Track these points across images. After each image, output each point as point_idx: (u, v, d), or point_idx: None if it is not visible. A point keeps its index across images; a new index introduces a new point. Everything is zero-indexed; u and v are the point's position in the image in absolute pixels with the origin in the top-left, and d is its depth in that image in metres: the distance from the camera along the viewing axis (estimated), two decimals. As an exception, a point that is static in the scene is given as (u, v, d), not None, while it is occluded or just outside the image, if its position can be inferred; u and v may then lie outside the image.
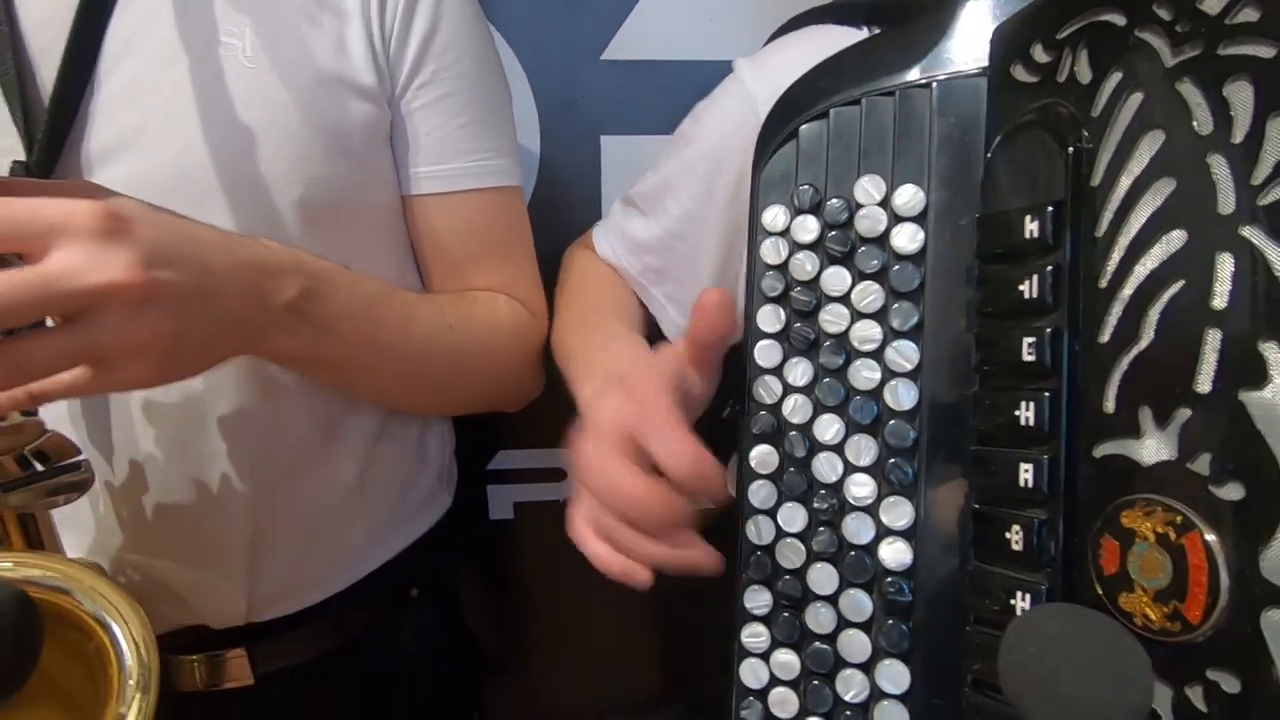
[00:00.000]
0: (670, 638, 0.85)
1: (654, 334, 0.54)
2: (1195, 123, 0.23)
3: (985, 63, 0.33)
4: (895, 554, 0.33)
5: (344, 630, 0.54)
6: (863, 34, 0.46)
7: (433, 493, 0.61)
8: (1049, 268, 0.27)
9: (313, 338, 0.42)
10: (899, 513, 0.33)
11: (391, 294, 0.48)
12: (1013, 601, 0.27)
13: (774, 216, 0.37)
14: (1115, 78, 0.26)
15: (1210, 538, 0.21)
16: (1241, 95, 0.22)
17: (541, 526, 0.79)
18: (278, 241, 0.43)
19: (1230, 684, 0.21)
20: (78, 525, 0.49)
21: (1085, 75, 0.27)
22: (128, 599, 0.40)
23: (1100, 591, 0.25)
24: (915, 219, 0.34)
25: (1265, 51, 0.22)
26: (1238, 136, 0.22)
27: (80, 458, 0.41)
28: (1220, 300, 0.22)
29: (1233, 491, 0.21)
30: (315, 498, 0.51)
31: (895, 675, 0.32)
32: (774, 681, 0.35)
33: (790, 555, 0.35)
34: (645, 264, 0.54)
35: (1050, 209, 0.27)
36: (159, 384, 0.37)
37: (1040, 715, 0.19)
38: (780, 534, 0.36)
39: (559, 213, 0.72)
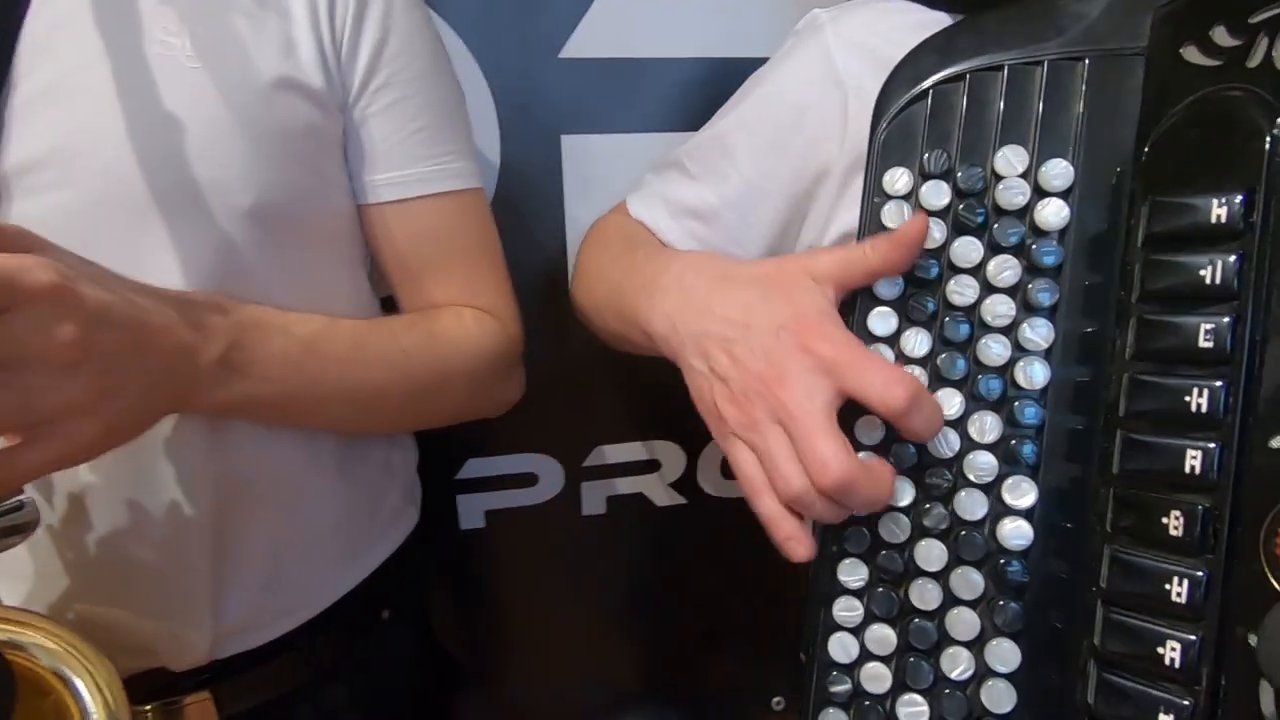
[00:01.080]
0: (647, 638, 0.85)
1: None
2: None
3: (1141, 42, 0.32)
4: (1015, 533, 0.32)
5: (314, 660, 0.52)
6: (942, 18, 0.44)
7: (400, 510, 0.59)
8: (1236, 255, 0.27)
9: (246, 388, 0.41)
10: (1021, 492, 0.32)
11: (334, 328, 0.46)
12: (1168, 587, 0.27)
13: (897, 179, 0.36)
14: (1329, 66, 0.26)
15: None
16: None
17: (514, 534, 0.78)
18: (235, 254, 0.43)
19: None
20: (14, 573, 0.44)
21: (1286, 62, 0.27)
22: (89, 645, 0.36)
23: (1275, 579, 0.25)
24: (1062, 194, 0.33)
25: None
26: None
27: (23, 497, 0.36)
28: None
29: None
30: (278, 524, 0.49)
31: (1005, 654, 0.32)
32: (866, 656, 0.35)
33: (894, 529, 0.34)
34: (688, 229, 0.50)
35: (1241, 195, 0.27)
36: (106, 446, 0.34)
37: None
38: (885, 508, 0.35)
39: (521, 216, 0.70)
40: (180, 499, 0.44)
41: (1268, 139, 0.27)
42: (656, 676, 0.85)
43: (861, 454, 0.34)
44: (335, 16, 0.46)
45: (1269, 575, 0.25)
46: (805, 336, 0.33)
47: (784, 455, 0.33)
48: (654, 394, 0.75)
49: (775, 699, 0.86)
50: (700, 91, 0.68)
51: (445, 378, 0.50)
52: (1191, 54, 0.30)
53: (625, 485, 0.80)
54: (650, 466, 0.80)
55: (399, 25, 0.48)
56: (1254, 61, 0.28)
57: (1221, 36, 0.29)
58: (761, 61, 0.51)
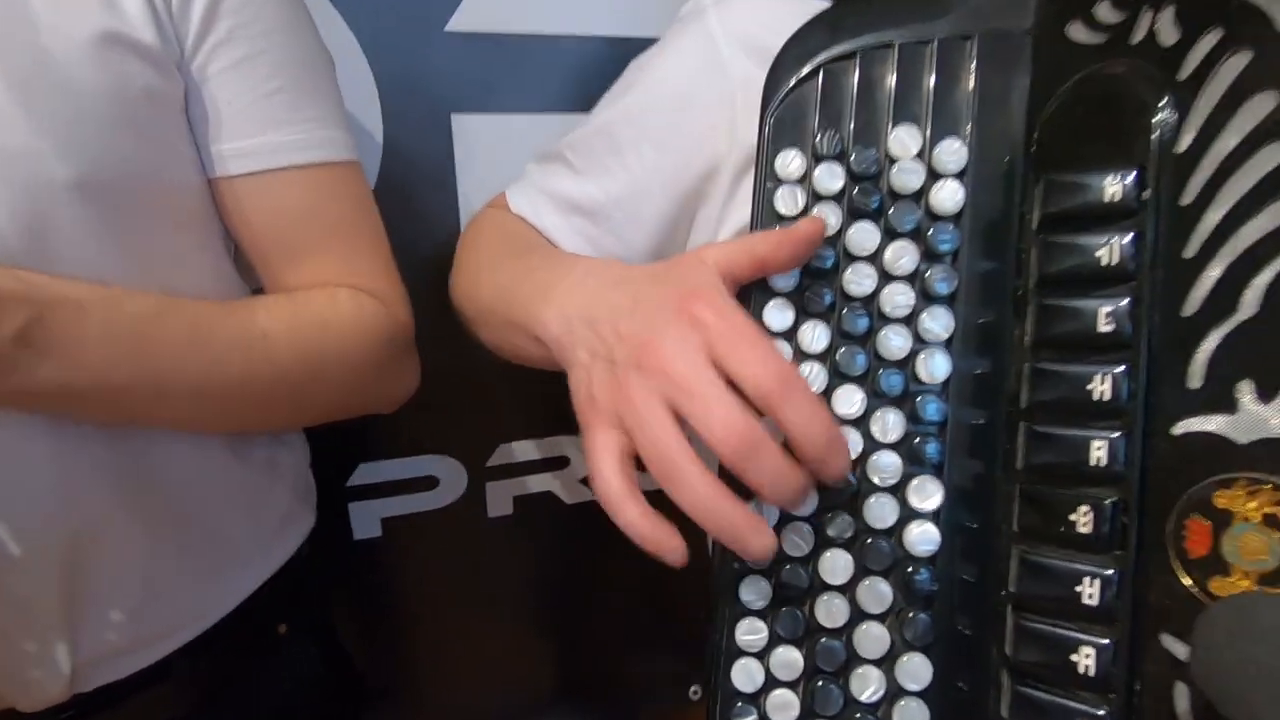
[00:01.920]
0: (561, 640, 0.81)
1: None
2: (1322, 87, 0.22)
3: (1028, 21, 0.31)
4: (923, 538, 0.30)
5: (200, 685, 0.47)
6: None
7: (291, 512, 0.53)
8: (1130, 235, 0.26)
9: (55, 374, 0.35)
10: (926, 493, 0.30)
11: (173, 308, 0.40)
12: (1079, 588, 0.25)
13: (789, 162, 0.33)
14: (1213, 37, 0.25)
15: (1333, 517, 0.21)
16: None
17: (414, 541, 0.72)
18: (52, 232, 0.37)
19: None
20: None
21: (1170, 36, 0.26)
22: None
23: (1184, 576, 0.23)
24: (956, 176, 0.31)
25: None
26: (1376, 103, 0.21)
27: None
28: (1348, 272, 0.21)
29: (1359, 469, 0.21)
30: (143, 537, 0.42)
31: (916, 670, 0.30)
32: (772, 683, 0.32)
33: (797, 541, 0.32)
34: (576, 227, 0.47)
35: (1134, 173, 0.26)
36: None
37: (1259, 711, 0.17)
38: (784, 518, 0.32)
39: (409, 200, 0.64)
40: (22, 520, 0.38)
41: (1155, 116, 0.26)
42: (572, 677, 0.81)
43: None
44: None
45: (1180, 571, 0.23)
46: (688, 302, 0.30)
47: (660, 430, 0.29)
48: (560, 388, 0.72)
49: (692, 688, 0.84)
50: (601, 71, 0.62)
51: (317, 366, 0.44)
52: (1077, 31, 0.29)
53: (533, 484, 0.75)
54: (559, 464, 0.76)
55: None
56: (1137, 37, 0.27)
57: (1105, 13, 0.28)
58: (661, 42, 0.48)
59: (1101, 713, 0.25)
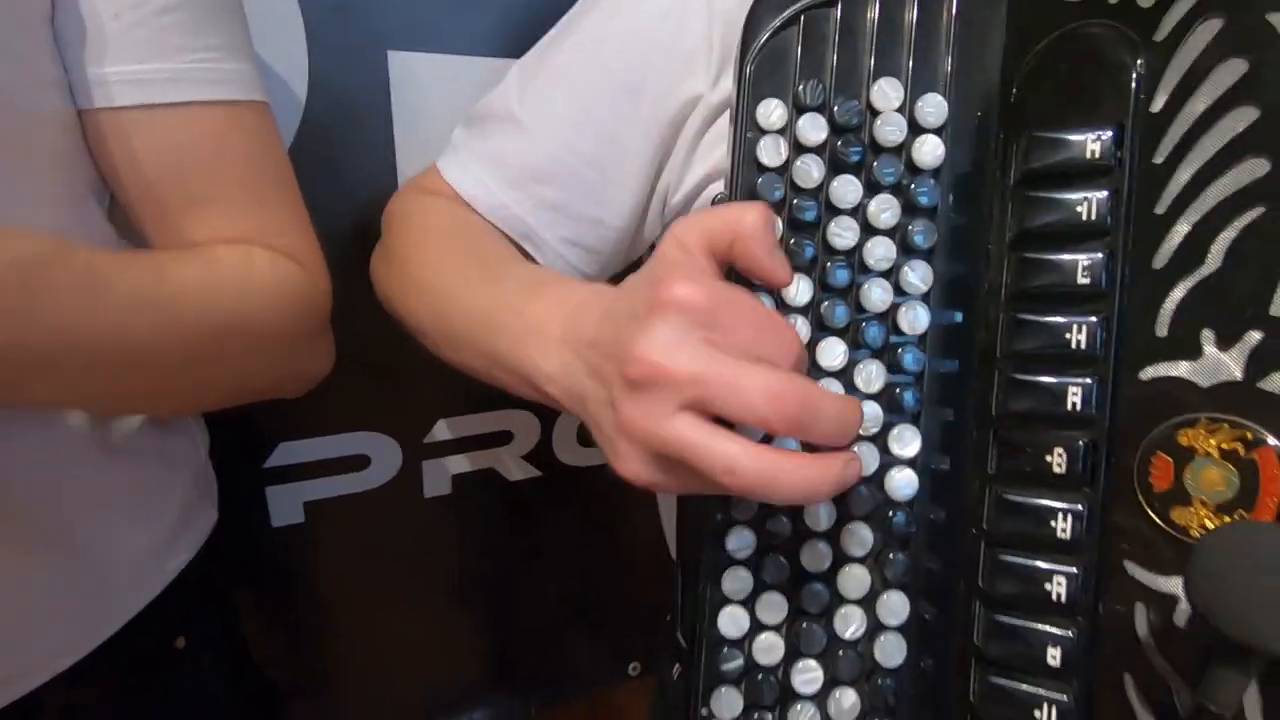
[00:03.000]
0: (498, 623, 0.79)
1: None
2: (1290, 54, 0.24)
3: (1004, -24, 0.31)
4: (904, 483, 0.31)
5: (81, 718, 0.40)
6: None
7: (189, 509, 0.46)
8: (1107, 191, 0.27)
9: None
10: (905, 441, 0.32)
11: (68, 255, 0.33)
12: (1054, 524, 0.27)
13: (771, 111, 0.33)
14: (1186, 3, 0.26)
15: (1284, 451, 0.23)
16: (1343, 31, 0.23)
17: (341, 526, 0.67)
18: None
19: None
20: None
21: (1146, -1, 0.27)
22: None
23: (1148, 507, 0.26)
24: (937, 131, 0.32)
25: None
26: (1339, 70, 0.23)
27: None
28: (1305, 228, 0.23)
29: (1307, 407, 0.23)
30: (9, 550, 0.36)
31: (895, 606, 0.32)
32: (758, 627, 0.33)
33: (782, 491, 0.32)
34: (538, 198, 0.42)
35: (1112, 131, 0.27)
36: None
37: (1246, 624, 0.19)
38: (769, 469, 0.32)
39: (337, 147, 0.57)
40: None
41: (1133, 74, 0.27)
42: (510, 661, 0.80)
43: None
44: None
45: (1144, 504, 0.26)
46: (662, 289, 0.26)
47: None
48: None
49: (631, 665, 0.85)
50: (558, 11, 0.58)
51: (231, 329, 0.38)
52: (1054, -11, 0.30)
53: (473, 461, 0.71)
54: (501, 439, 0.72)
55: None
56: (1115, -2, 0.28)
57: (1083, -29, 0.29)
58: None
59: (1070, 634, 0.27)
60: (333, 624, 0.71)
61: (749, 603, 0.33)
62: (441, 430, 0.69)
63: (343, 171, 0.58)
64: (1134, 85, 0.27)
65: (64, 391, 0.35)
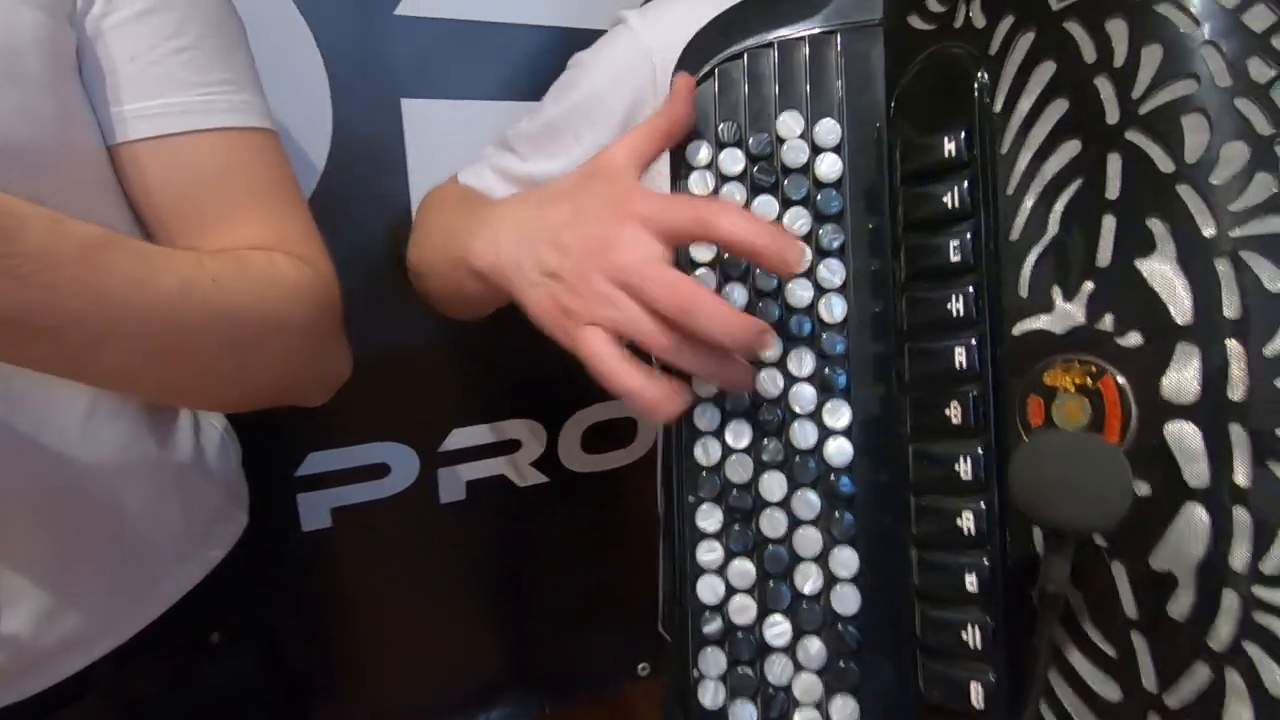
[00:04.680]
0: (512, 624, 0.83)
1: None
2: (1083, 53, 0.29)
3: (878, 15, 0.37)
4: (839, 451, 0.36)
5: (119, 703, 0.43)
6: None
7: (222, 513, 0.51)
8: (966, 181, 0.32)
9: (8, 289, 0.29)
10: (839, 415, 0.36)
11: (123, 240, 0.35)
12: (956, 467, 0.31)
13: (698, 151, 0.39)
14: (1008, 21, 0.31)
15: (1120, 380, 0.27)
16: (1118, 29, 0.28)
17: (365, 530, 0.73)
18: None
19: (1141, 489, 0.26)
20: None
21: (980, 21, 0.32)
22: None
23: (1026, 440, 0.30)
24: (834, 149, 0.37)
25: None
26: (1118, 61, 0.28)
27: None
28: (1113, 192, 0.28)
29: (1133, 339, 0.27)
30: (55, 531, 0.39)
31: (846, 560, 0.36)
32: (731, 591, 0.37)
33: (739, 470, 0.37)
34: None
35: (964, 132, 0.32)
36: None
37: (1051, 511, 0.23)
38: (728, 451, 0.38)
39: (360, 184, 0.66)
40: None
41: (975, 84, 0.32)
42: (524, 661, 0.83)
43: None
44: None
45: (1024, 436, 0.30)
46: (625, 203, 0.34)
47: (636, 311, 0.33)
48: (509, 371, 0.75)
49: (641, 665, 0.87)
50: (551, 60, 0.62)
51: (267, 319, 0.40)
52: (915, 21, 0.36)
53: (484, 468, 0.77)
54: (510, 447, 0.77)
55: None
56: (959, 23, 0.33)
57: (933, 4, 0.35)
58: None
59: (986, 562, 0.31)
60: (356, 624, 0.76)
61: (722, 570, 0.37)
62: (455, 439, 0.75)
63: (362, 208, 0.66)
64: (977, 92, 0.32)
65: (122, 368, 0.37)
